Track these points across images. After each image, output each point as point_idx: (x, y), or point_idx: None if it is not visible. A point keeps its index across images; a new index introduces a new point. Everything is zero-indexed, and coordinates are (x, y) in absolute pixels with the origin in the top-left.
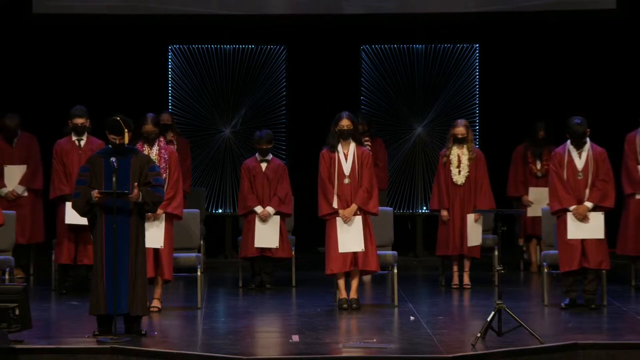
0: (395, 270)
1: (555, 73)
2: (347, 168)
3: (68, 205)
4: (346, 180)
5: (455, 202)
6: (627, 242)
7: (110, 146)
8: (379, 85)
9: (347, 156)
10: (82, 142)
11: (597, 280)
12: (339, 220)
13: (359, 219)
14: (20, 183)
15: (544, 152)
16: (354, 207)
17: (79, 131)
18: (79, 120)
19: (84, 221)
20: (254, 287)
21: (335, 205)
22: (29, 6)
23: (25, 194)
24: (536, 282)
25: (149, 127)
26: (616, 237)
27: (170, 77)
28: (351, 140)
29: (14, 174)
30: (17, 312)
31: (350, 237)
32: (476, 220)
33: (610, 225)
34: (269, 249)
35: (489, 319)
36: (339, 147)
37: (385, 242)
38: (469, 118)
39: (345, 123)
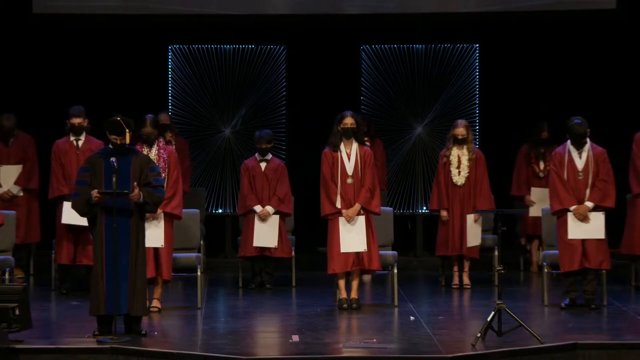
0: (395, 270)
1: (556, 73)
2: (349, 167)
3: (65, 205)
4: (349, 180)
5: (454, 202)
6: (633, 242)
7: (110, 146)
8: (379, 85)
9: (349, 155)
10: (80, 142)
11: (597, 280)
12: (341, 220)
13: (362, 219)
14: (16, 183)
15: (547, 153)
16: (357, 206)
17: (77, 131)
18: (77, 120)
19: (80, 221)
20: (254, 287)
21: (338, 205)
22: (29, 6)
23: (21, 194)
24: (536, 282)
25: (147, 129)
26: (617, 236)
27: (170, 77)
28: (353, 140)
29: (10, 173)
30: (17, 312)
31: (352, 237)
32: (476, 221)
33: (611, 225)
34: (268, 249)
35: (489, 319)
36: (342, 147)
37: (385, 242)
38: (469, 118)
39: (349, 121)
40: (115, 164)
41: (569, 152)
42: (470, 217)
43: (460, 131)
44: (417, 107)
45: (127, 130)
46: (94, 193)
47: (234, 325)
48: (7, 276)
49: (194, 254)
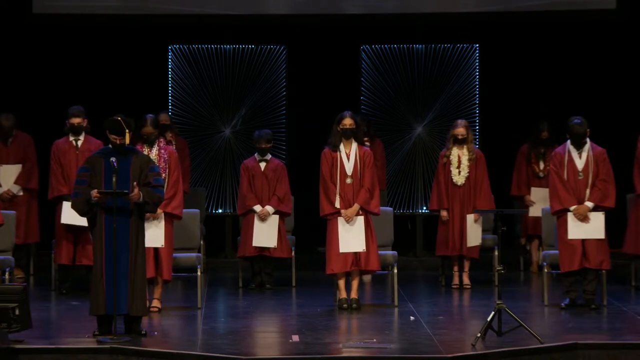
0: (395, 270)
1: (555, 73)
2: (349, 168)
3: (64, 205)
4: (348, 180)
5: (454, 202)
6: (637, 241)
7: (109, 146)
8: (379, 85)
9: (349, 156)
10: (80, 142)
11: (597, 280)
12: (340, 220)
13: (360, 219)
14: (16, 182)
15: (547, 153)
16: (356, 207)
17: (76, 131)
18: (76, 120)
19: (79, 221)
20: (254, 287)
21: (337, 205)
22: (29, 6)
23: (21, 193)
24: (536, 282)
25: (148, 129)
26: (617, 236)
27: (170, 77)
28: (353, 140)
29: (10, 173)
30: (17, 312)
31: (351, 237)
32: (476, 221)
33: (612, 225)
34: (268, 249)
35: (489, 319)
36: (341, 147)
37: (385, 242)
38: (469, 118)
39: (348, 122)
40: (115, 163)
41: (569, 152)
42: (470, 217)
43: (460, 131)
44: (417, 107)
45: (127, 131)
46: (94, 193)
47: (234, 325)
48: (7, 276)
49: (194, 254)
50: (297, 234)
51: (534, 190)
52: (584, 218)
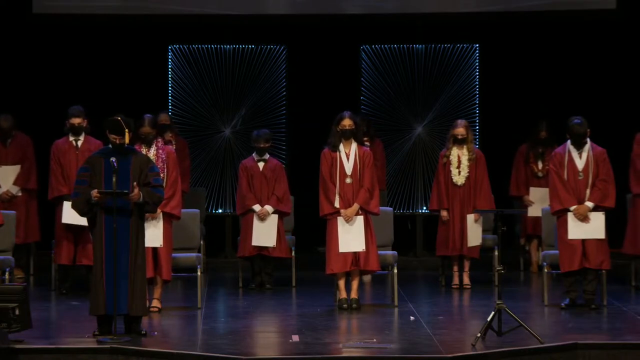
0: (395, 270)
1: (556, 73)
2: (348, 168)
3: (65, 205)
4: (348, 180)
5: (455, 202)
6: (637, 241)
7: (109, 146)
8: (379, 85)
9: (348, 156)
10: (80, 143)
11: (597, 280)
12: (340, 219)
13: (360, 219)
14: (15, 183)
15: (546, 153)
16: (355, 206)
17: (76, 131)
18: (76, 120)
19: (80, 221)
20: (254, 287)
21: (337, 204)
22: (29, 6)
23: (20, 194)
24: (536, 282)
25: (146, 129)
26: (617, 236)
27: (170, 77)
28: (352, 140)
29: (8, 174)
30: (17, 312)
31: (351, 237)
32: (476, 221)
33: (612, 225)
34: (267, 248)
35: (489, 319)
36: (341, 147)
37: (385, 242)
38: (469, 118)
39: (347, 122)
40: (115, 163)
41: (569, 152)
42: (470, 217)
43: (460, 131)
44: (417, 107)
45: (127, 130)
46: (94, 193)
47: (234, 325)
48: (7, 276)
49: (194, 254)
50: (297, 234)
51: (532, 190)
52: (584, 218)
